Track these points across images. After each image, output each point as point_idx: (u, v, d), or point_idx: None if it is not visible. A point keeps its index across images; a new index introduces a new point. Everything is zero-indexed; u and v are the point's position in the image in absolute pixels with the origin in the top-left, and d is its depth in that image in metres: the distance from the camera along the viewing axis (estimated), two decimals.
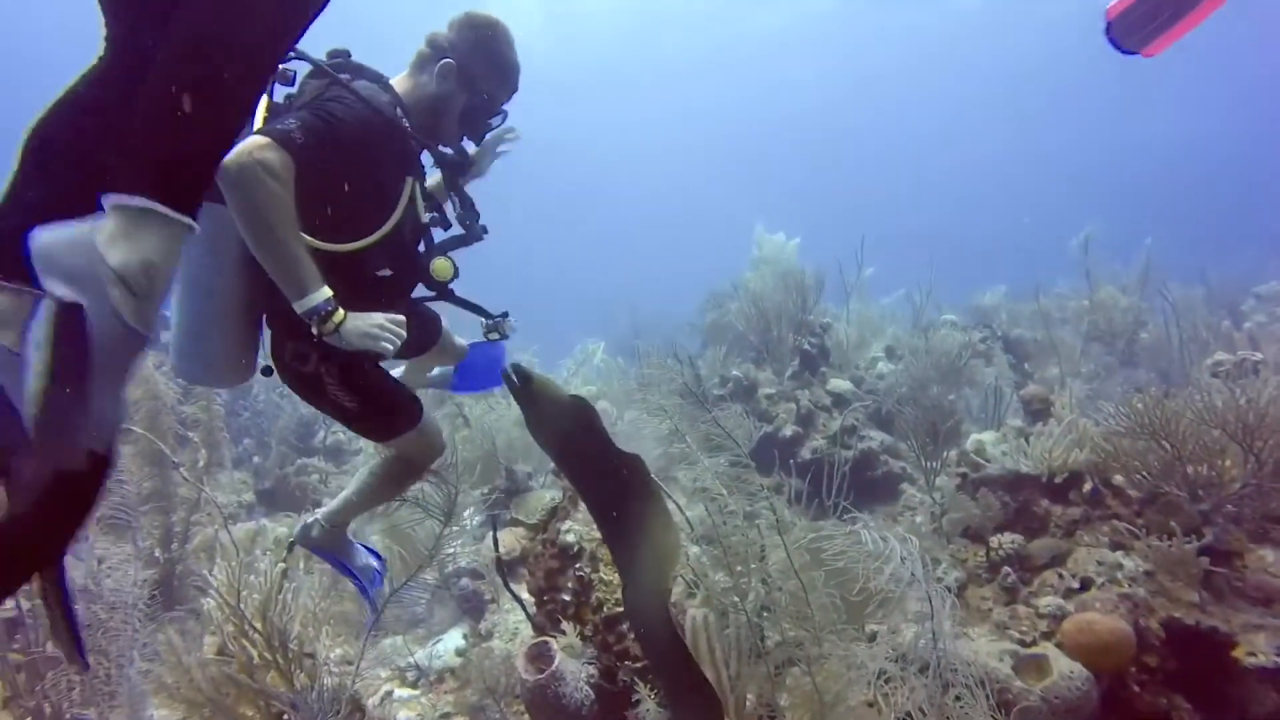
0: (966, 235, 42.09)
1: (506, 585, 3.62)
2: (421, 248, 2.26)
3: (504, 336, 2.63)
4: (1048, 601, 2.75)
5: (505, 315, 2.60)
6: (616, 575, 3.18)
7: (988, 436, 4.31)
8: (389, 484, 2.58)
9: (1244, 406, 2.67)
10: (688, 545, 2.96)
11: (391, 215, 1.99)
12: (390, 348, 1.96)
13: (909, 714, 2.30)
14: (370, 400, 2.12)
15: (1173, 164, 36.36)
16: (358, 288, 1.93)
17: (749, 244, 6.87)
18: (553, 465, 4.08)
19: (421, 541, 3.38)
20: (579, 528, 3.28)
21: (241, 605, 2.34)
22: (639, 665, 2.95)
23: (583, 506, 3.37)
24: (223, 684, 2.29)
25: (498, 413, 4.94)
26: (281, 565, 2.59)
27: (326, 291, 1.75)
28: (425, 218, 2.19)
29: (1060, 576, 2.87)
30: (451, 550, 4.26)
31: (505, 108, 2.24)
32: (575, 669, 2.93)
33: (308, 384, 2.07)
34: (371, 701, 3.51)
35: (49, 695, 2.74)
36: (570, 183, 41.02)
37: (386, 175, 1.99)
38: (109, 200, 1.04)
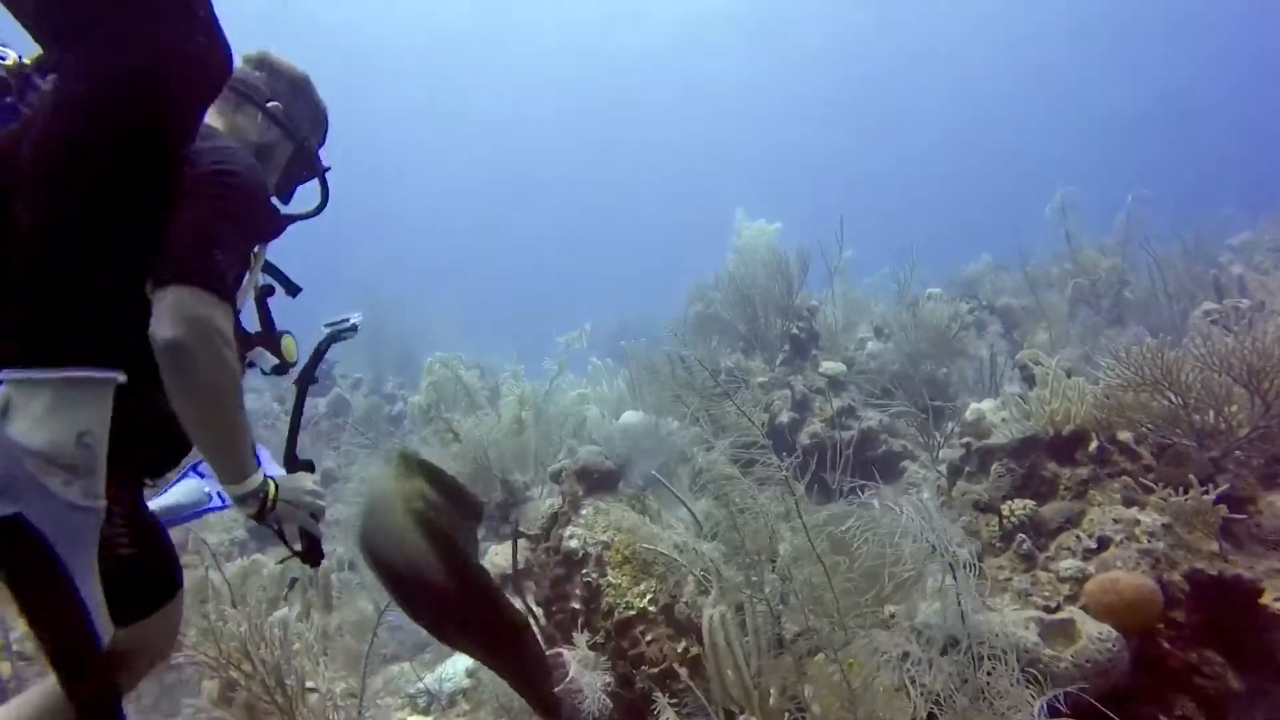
0: (944, 211, 42.37)
1: (522, 597, 3.50)
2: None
3: None
4: (1068, 565, 2.69)
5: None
6: (625, 578, 3.10)
7: (987, 405, 4.27)
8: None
9: (1249, 348, 2.63)
10: (698, 543, 2.88)
11: (243, 282, 1.57)
12: (323, 506, 1.69)
13: (939, 697, 2.24)
14: (151, 548, 1.48)
15: (1144, 127, 36.70)
16: None
17: (730, 236, 6.83)
18: (551, 470, 3.97)
19: None
20: (582, 532, 3.19)
21: (227, 646, 2.22)
22: (655, 670, 2.86)
23: (584, 509, 3.28)
24: None
25: (488, 424, 4.83)
26: (278, 601, 2.48)
27: (258, 472, 1.47)
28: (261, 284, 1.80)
29: (1077, 538, 2.82)
30: None
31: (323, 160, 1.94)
32: (591, 680, 2.83)
33: None
34: None
35: None
36: (546, 184, 40.92)
37: (248, 241, 1.57)
38: (17, 376, 0.98)
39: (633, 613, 3.01)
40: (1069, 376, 3.43)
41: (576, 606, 3.08)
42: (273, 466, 1.76)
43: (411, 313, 12.13)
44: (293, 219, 1.83)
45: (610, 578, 3.10)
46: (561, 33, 30.51)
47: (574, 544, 3.15)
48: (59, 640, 0.98)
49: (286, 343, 1.79)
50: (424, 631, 3.93)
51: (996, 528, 3.17)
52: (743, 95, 34.54)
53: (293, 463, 1.78)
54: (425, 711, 3.56)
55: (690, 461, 4.38)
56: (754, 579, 2.65)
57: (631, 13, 28.78)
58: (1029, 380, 4.25)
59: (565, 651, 2.90)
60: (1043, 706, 1.68)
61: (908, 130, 38.01)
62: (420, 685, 3.55)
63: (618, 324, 8.13)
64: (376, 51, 30.86)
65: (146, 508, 1.54)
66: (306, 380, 1.87)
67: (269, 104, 1.74)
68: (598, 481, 3.33)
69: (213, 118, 1.65)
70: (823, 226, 7.15)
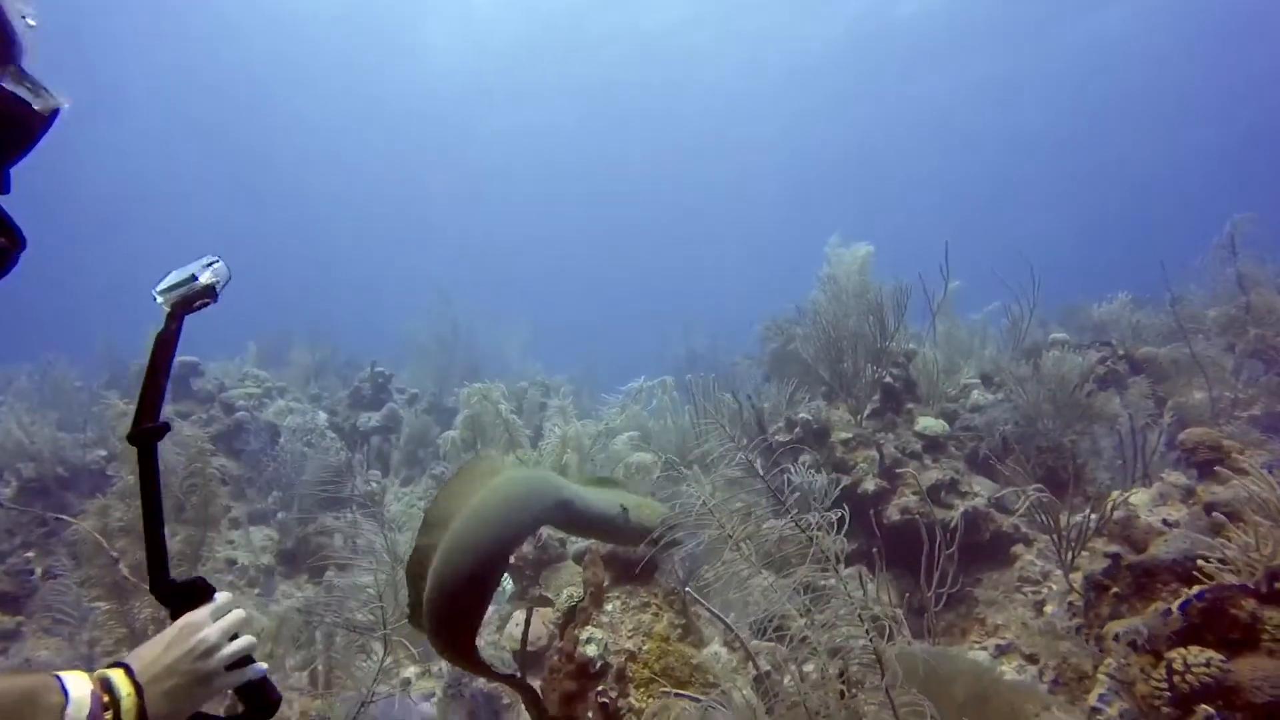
0: (1069, 238, 37.61)
1: (524, 691, 2.88)
2: None
3: None
4: None
5: None
6: (650, 701, 2.43)
7: (1140, 498, 3.36)
8: None
9: None
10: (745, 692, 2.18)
11: None
12: (245, 647, 1.06)
13: None
14: None
15: None
16: None
17: (818, 261, 6.03)
18: (575, 551, 3.36)
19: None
20: (603, 636, 2.55)
21: None
22: None
23: (609, 606, 2.63)
24: None
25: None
26: None
27: (82, 679, 0.88)
28: None
29: None
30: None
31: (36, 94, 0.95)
32: None
33: None
34: None
35: None
36: (623, 195, 39.97)
37: None
38: None
39: None
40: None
41: None
42: None
43: (485, 326, 11.83)
44: None
45: (633, 699, 2.44)
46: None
47: (591, 650, 2.50)
48: None
49: None
50: (426, 708, 3.37)
51: (1163, 680, 2.32)
52: (835, 103, 31.60)
53: (164, 587, 1.07)
54: None
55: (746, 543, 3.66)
56: None
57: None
58: (1199, 467, 3.31)
59: None
60: None
61: (1022, 138, 33.72)
62: None
63: (686, 351, 7.42)
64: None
65: None
66: (150, 434, 1.08)
67: None
68: (628, 569, 2.68)
69: None
70: (924, 257, 6.24)
